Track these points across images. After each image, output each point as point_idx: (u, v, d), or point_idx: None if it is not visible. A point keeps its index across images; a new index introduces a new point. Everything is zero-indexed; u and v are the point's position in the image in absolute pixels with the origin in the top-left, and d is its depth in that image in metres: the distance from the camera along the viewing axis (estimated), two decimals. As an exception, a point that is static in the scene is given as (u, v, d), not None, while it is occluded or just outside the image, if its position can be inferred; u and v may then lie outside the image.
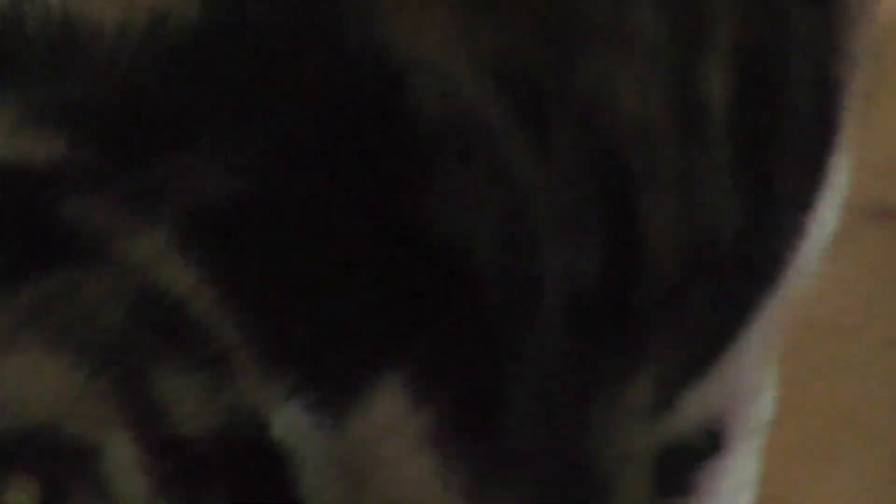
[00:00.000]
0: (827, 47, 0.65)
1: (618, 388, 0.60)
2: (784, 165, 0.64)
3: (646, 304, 0.60)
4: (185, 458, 0.46)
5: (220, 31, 0.51)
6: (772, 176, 0.64)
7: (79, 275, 0.46)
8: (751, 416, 0.75)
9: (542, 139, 0.56)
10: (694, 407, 0.68)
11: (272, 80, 0.52)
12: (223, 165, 0.50)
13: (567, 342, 0.57)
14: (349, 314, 0.51)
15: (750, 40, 0.62)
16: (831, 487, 0.88)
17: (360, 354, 0.51)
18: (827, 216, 0.71)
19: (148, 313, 0.47)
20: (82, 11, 0.50)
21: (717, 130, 0.61)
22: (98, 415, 0.45)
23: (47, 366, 0.45)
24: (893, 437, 0.93)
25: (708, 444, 0.73)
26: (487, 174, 0.55)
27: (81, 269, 0.47)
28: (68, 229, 0.47)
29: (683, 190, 0.60)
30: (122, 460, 0.45)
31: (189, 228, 0.49)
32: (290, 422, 0.49)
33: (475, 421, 0.54)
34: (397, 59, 0.53)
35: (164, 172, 0.49)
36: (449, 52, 0.54)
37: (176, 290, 0.48)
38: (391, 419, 0.51)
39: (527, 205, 0.55)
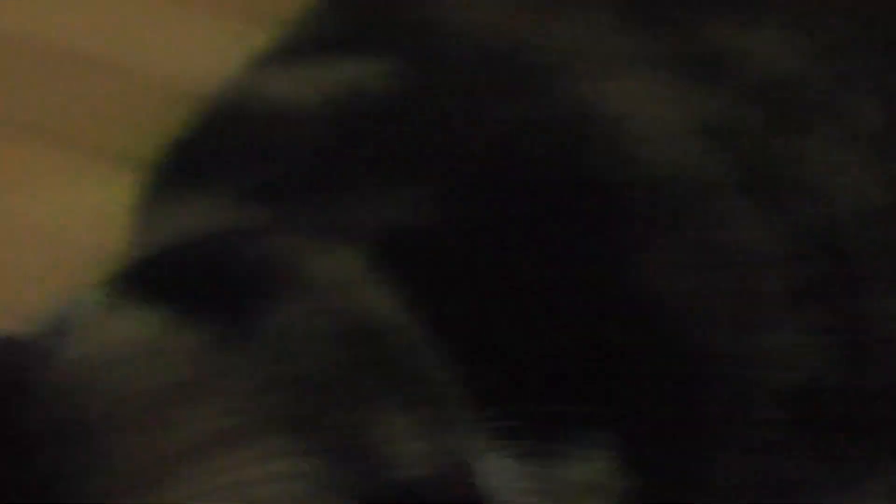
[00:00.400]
0: None
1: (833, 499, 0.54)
2: None
3: (879, 407, 0.54)
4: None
5: (413, 98, 0.56)
6: None
7: (294, 310, 0.47)
8: None
9: (767, 209, 0.54)
10: None
11: (472, 136, 0.54)
12: (427, 200, 0.52)
13: (784, 438, 0.53)
14: (557, 364, 0.50)
15: None
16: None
17: (569, 406, 0.49)
18: None
19: (357, 342, 0.47)
20: (288, 96, 0.58)
21: None
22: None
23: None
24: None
25: None
26: (704, 235, 0.53)
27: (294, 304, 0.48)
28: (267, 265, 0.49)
29: None
30: None
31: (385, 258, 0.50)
32: (494, 468, 0.48)
33: (672, 498, 0.52)
34: (608, 117, 0.54)
35: (362, 213, 0.52)
36: (661, 112, 0.55)
37: (378, 319, 0.48)
38: (598, 478, 0.50)
39: (752, 276, 0.53)
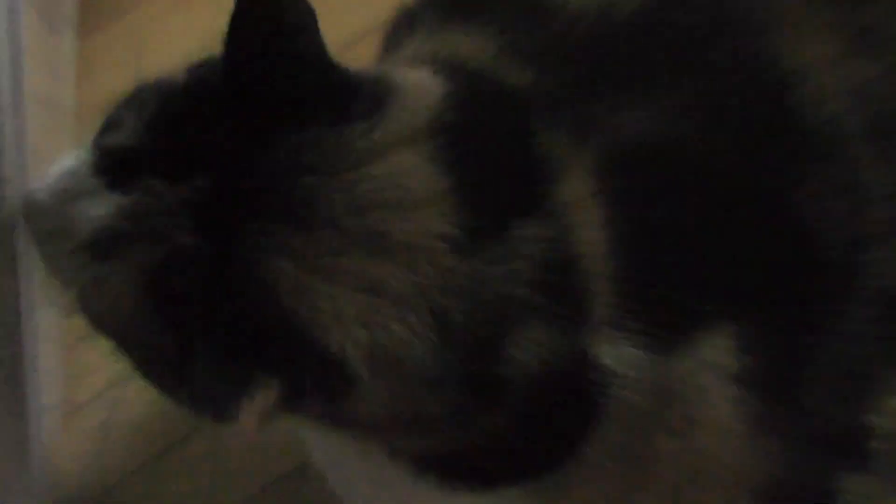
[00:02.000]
0: None
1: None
2: None
3: None
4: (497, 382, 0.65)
5: (653, 19, 0.71)
6: None
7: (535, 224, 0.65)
8: None
9: (887, 155, 0.70)
10: None
11: (692, 60, 0.70)
12: (651, 112, 0.68)
13: (878, 331, 0.69)
14: (705, 269, 0.67)
15: None
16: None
17: (703, 304, 0.67)
18: None
19: (553, 269, 0.64)
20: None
21: None
22: None
23: None
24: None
25: None
26: (843, 173, 0.69)
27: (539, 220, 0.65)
28: (539, 160, 0.66)
29: None
30: None
31: (607, 167, 0.66)
32: (621, 354, 0.66)
33: (781, 374, 0.68)
34: (785, 67, 0.70)
35: (600, 109, 0.67)
36: (826, 69, 0.69)
37: (577, 247, 0.65)
38: (716, 358, 0.67)
39: (869, 204, 0.69)
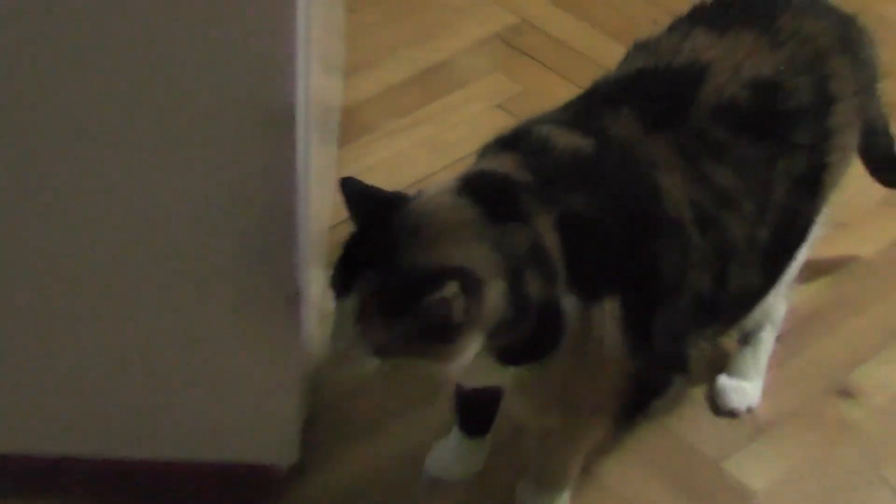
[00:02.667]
0: None
1: (708, 330, 1.46)
2: None
3: (734, 298, 1.43)
4: (517, 310, 1.24)
5: (599, 159, 1.33)
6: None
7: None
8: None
9: (702, 233, 1.38)
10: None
11: (612, 176, 1.32)
12: (584, 198, 1.28)
13: (690, 311, 1.37)
14: (608, 265, 1.29)
15: None
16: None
17: (606, 282, 1.29)
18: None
19: (535, 249, 1.24)
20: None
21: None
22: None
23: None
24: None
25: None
26: (680, 238, 1.35)
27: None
28: (525, 210, 1.28)
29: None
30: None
31: (559, 218, 1.26)
32: (571, 303, 1.27)
33: (641, 323, 1.32)
34: (659, 185, 1.34)
35: (558, 194, 1.28)
36: (678, 189, 1.37)
37: (543, 241, 1.24)
38: (611, 310, 1.28)
39: (691, 253, 1.35)
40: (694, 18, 1.51)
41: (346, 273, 1.26)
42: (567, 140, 1.35)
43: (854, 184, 1.61)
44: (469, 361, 1.29)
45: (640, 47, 1.51)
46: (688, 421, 1.65)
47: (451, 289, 1.18)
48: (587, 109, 1.42)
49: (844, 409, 1.67)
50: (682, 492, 1.56)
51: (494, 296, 1.22)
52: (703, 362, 1.57)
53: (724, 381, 1.65)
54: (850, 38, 1.54)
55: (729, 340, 1.67)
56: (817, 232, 1.55)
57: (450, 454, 1.55)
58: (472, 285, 1.21)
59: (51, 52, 1.24)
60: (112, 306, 1.42)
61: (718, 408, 1.65)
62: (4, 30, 1.25)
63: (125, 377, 1.46)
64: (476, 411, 1.53)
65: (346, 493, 1.55)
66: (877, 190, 1.76)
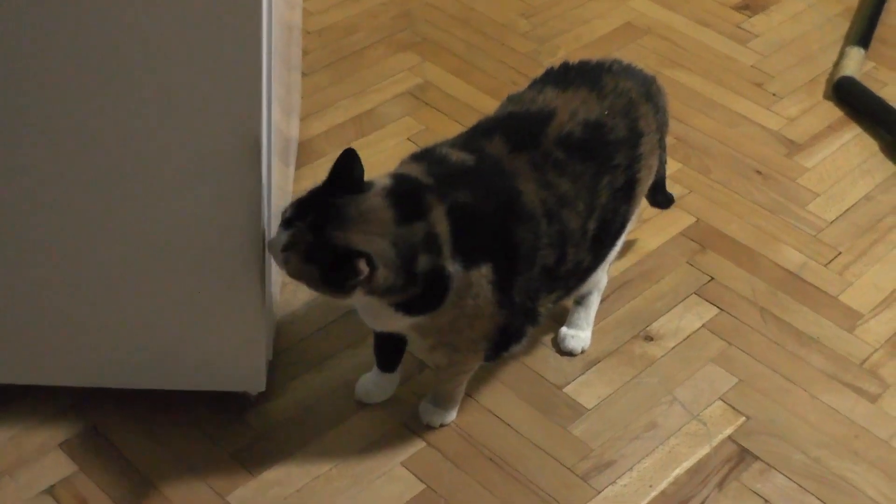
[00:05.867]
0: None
1: (553, 293, 1.77)
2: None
3: (569, 271, 1.77)
4: (405, 282, 1.58)
5: (479, 168, 1.67)
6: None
7: None
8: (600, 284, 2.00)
9: (549, 220, 1.71)
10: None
11: (484, 179, 1.66)
12: (467, 196, 1.63)
13: (541, 277, 1.70)
14: (482, 239, 1.64)
15: None
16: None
17: (480, 252, 1.62)
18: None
19: (428, 236, 1.59)
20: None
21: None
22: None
23: None
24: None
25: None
26: (534, 227, 1.68)
27: None
28: (426, 205, 1.63)
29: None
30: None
31: (450, 208, 1.59)
32: (455, 268, 1.60)
33: (506, 283, 1.65)
34: (518, 189, 1.68)
35: (451, 191, 1.63)
36: (533, 192, 1.71)
37: (437, 229, 1.59)
38: (484, 274, 1.62)
39: (542, 237, 1.69)
40: (545, 79, 1.81)
41: (295, 212, 1.56)
42: (457, 156, 1.66)
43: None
44: (363, 305, 1.63)
45: (511, 98, 1.80)
46: (539, 359, 1.96)
47: (360, 266, 1.52)
48: (472, 137, 1.72)
49: (648, 349, 1.99)
50: (534, 408, 1.89)
51: (382, 276, 1.55)
52: (548, 317, 1.83)
53: (564, 330, 1.97)
54: (651, 91, 1.83)
55: (567, 302, 1.95)
56: (630, 226, 1.87)
57: (372, 384, 1.86)
58: (371, 264, 1.53)
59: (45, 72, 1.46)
60: (119, 270, 1.64)
61: (561, 350, 1.96)
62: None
63: (131, 321, 1.70)
64: (388, 353, 1.84)
65: (300, 413, 1.85)
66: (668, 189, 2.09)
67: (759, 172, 2.37)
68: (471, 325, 1.67)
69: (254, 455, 1.82)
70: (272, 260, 1.65)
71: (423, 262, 1.57)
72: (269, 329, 1.81)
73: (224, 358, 1.76)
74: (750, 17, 2.80)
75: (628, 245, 2.16)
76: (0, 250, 1.65)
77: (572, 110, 1.73)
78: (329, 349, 1.98)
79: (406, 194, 1.59)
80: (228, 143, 1.54)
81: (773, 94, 2.56)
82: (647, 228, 2.23)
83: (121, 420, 1.85)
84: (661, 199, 2.03)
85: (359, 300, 1.60)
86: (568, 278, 1.76)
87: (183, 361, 1.77)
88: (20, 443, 1.81)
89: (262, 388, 1.82)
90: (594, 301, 1.99)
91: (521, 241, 1.65)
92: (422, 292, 1.60)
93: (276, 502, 1.77)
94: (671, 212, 2.22)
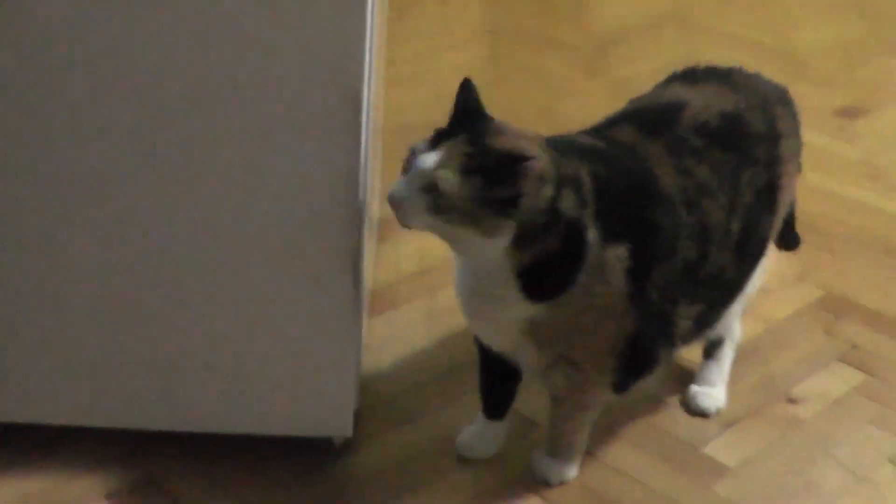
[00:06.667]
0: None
1: (693, 306, 1.57)
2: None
3: (714, 279, 1.59)
4: (550, 218, 1.42)
5: (611, 151, 1.56)
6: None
7: None
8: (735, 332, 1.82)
9: (689, 209, 1.54)
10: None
11: (623, 161, 1.54)
12: (604, 167, 1.49)
13: (678, 279, 1.53)
14: (622, 216, 1.48)
15: None
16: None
17: (619, 232, 1.46)
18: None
19: (573, 179, 1.44)
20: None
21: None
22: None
23: None
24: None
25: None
26: (672, 209, 1.53)
27: None
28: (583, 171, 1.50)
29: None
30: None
31: (592, 175, 1.47)
32: (593, 236, 1.44)
33: (642, 275, 1.48)
34: (655, 173, 1.56)
35: (593, 164, 1.50)
36: (669, 176, 1.57)
37: (583, 180, 1.46)
38: (620, 256, 1.46)
39: (682, 224, 1.52)
40: (670, 79, 1.72)
41: (434, 141, 1.42)
42: (585, 141, 1.55)
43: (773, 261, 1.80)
44: (485, 277, 1.44)
45: (633, 99, 1.70)
46: (667, 419, 1.75)
47: (533, 164, 1.37)
48: (597, 129, 1.61)
49: (792, 410, 1.80)
50: (667, 463, 1.67)
51: (545, 192, 1.40)
52: (672, 377, 1.76)
53: (695, 388, 1.77)
54: (785, 98, 1.73)
55: (696, 355, 1.80)
56: (760, 272, 1.70)
57: (476, 436, 1.65)
58: (542, 171, 1.39)
59: (154, 51, 1.37)
60: (196, 297, 1.49)
61: (692, 409, 1.76)
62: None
63: (212, 360, 1.53)
64: (497, 392, 1.63)
65: (391, 466, 1.63)
66: (789, 267, 2.02)
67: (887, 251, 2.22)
68: (597, 326, 1.49)
69: (337, 510, 1.59)
70: (364, 302, 1.54)
71: (568, 202, 1.43)
72: (358, 372, 1.62)
73: (307, 396, 1.57)
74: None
75: (752, 313, 1.95)
76: (50, 271, 1.50)
77: (706, 101, 1.63)
78: (421, 406, 1.76)
79: (552, 143, 1.48)
80: (325, 108, 1.43)
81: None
82: (770, 300, 2.06)
83: (179, 468, 1.59)
84: (790, 237, 1.86)
85: (494, 250, 1.41)
86: (711, 287, 1.59)
87: (259, 401, 1.57)
88: (56, 492, 1.55)
89: (350, 434, 1.60)
90: (727, 354, 1.82)
91: (661, 225, 1.51)
92: (557, 254, 1.43)
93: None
94: (796, 286, 2.08)
